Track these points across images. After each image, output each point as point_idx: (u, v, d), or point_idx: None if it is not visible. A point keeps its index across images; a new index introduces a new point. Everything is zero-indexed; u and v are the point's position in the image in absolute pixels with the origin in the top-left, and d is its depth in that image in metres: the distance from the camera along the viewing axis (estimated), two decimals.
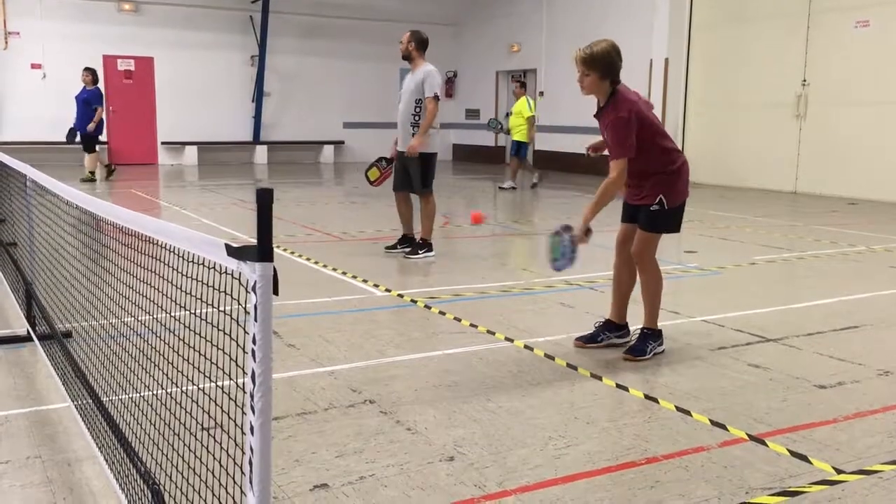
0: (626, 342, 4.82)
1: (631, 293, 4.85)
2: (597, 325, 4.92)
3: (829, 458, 3.28)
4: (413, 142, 7.46)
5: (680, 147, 17.51)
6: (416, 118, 7.49)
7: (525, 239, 9.70)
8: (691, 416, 3.74)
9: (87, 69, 15.24)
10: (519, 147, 14.98)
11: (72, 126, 15.01)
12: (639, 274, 4.68)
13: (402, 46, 7.61)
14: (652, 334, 4.65)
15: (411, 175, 7.61)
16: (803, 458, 3.28)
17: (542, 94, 19.75)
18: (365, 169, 8.24)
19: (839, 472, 3.15)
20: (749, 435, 3.51)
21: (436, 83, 7.45)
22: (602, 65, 4.42)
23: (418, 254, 7.62)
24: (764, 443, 3.43)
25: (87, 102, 14.70)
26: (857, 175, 13.59)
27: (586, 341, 4.84)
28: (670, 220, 4.60)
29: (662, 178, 4.54)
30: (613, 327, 4.85)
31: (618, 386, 4.16)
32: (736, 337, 5.11)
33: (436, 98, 7.41)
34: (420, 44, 7.57)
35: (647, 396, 4.01)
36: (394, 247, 7.91)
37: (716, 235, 9.53)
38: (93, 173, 14.93)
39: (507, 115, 15.28)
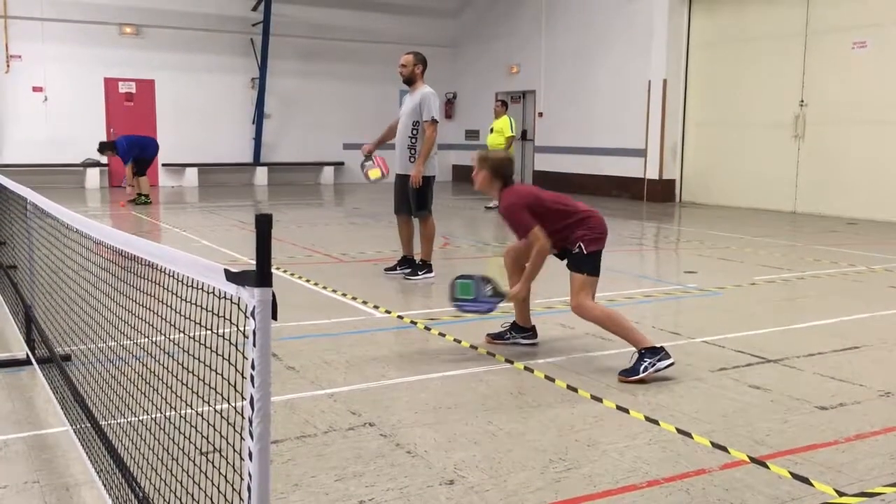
0: (532, 343, 5.29)
1: (529, 304, 5.31)
2: (503, 325, 5.37)
3: (830, 480, 3.26)
4: (413, 171, 7.42)
5: (679, 166, 17.45)
6: (413, 140, 7.45)
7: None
8: (692, 438, 3.73)
9: (103, 147, 15.15)
10: None
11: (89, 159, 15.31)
12: (589, 321, 4.86)
13: (405, 70, 7.48)
14: (646, 352, 4.58)
15: (409, 197, 7.59)
16: (805, 480, 3.26)
17: (541, 114, 19.83)
18: (366, 171, 8.03)
19: (841, 494, 3.14)
20: (750, 457, 3.50)
21: (434, 106, 7.39)
22: (493, 165, 5.01)
23: (418, 275, 7.60)
24: (765, 465, 3.42)
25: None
26: (857, 195, 13.62)
27: (494, 338, 5.34)
28: (591, 264, 4.82)
29: (580, 233, 4.82)
30: (519, 329, 5.33)
31: (618, 408, 4.15)
32: (736, 358, 5.10)
33: (434, 122, 7.38)
34: (425, 65, 7.56)
35: (647, 418, 3.99)
36: (393, 268, 7.89)
37: (715, 256, 9.54)
38: (146, 195, 14.99)
39: (491, 130, 15.31)
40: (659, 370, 4.54)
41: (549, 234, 4.81)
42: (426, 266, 7.66)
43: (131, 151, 14.61)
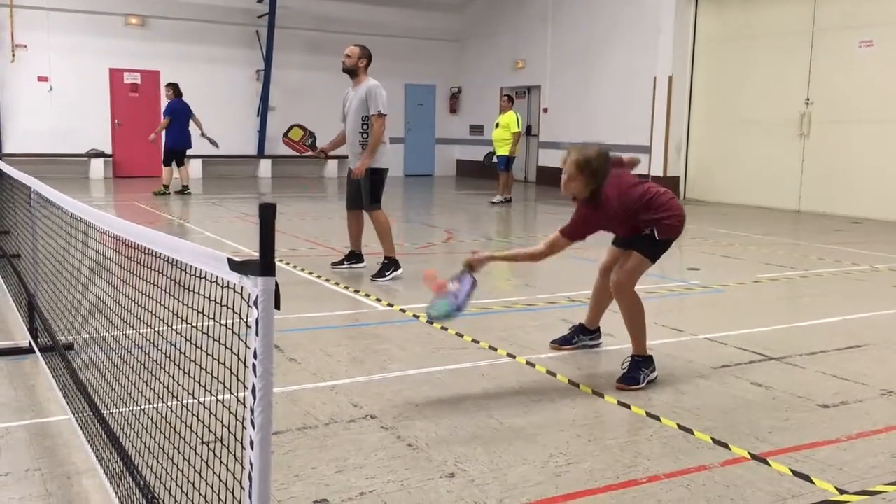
0: (597, 344, 5.17)
1: (607, 307, 5.06)
2: (571, 328, 5.21)
3: (831, 478, 3.26)
4: (359, 163, 7.26)
5: (684, 162, 17.33)
6: (364, 136, 7.28)
7: None
8: (693, 434, 3.73)
9: (167, 85, 15.45)
10: (508, 161, 15.03)
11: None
12: (618, 304, 4.59)
13: (349, 60, 7.39)
14: (643, 361, 4.50)
15: (361, 191, 7.37)
16: (806, 477, 3.26)
17: (546, 110, 19.80)
18: (290, 127, 8.02)
19: (842, 492, 3.14)
20: (751, 454, 3.49)
21: (381, 99, 7.24)
22: (592, 170, 4.29)
23: (385, 275, 7.22)
24: (766, 462, 3.41)
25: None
26: (861, 194, 13.59)
27: (561, 343, 5.14)
28: (655, 250, 4.53)
29: (656, 216, 4.47)
30: (586, 331, 5.16)
31: (620, 403, 4.15)
32: (739, 355, 5.10)
33: (381, 115, 7.21)
34: (369, 59, 7.45)
35: (649, 414, 3.99)
36: (340, 262, 7.75)
37: (719, 253, 9.52)
38: (166, 186, 14.99)
39: (497, 125, 15.25)
40: (650, 381, 4.47)
41: (629, 227, 4.48)
42: (392, 263, 7.29)
43: (176, 113, 14.88)
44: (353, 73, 7.46)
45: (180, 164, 15.24)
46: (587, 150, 4.35)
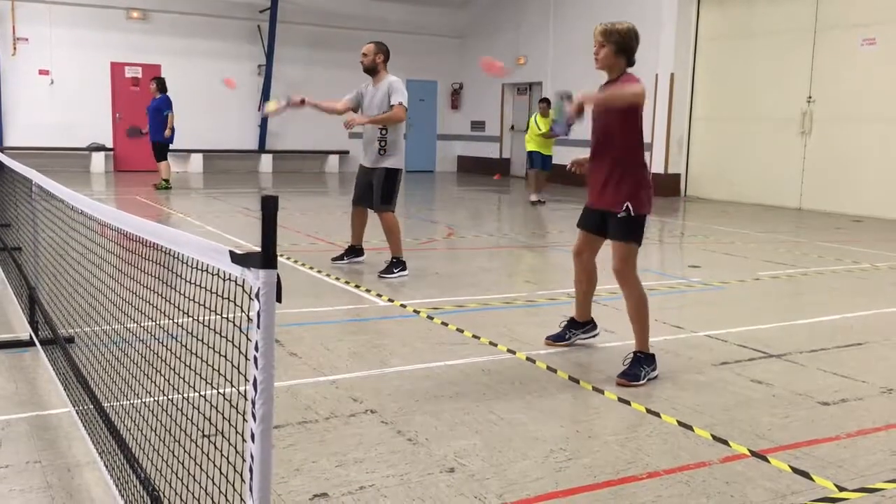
0: (593, 335, 5.13)
1: (592, 295, 5.06)
2: (562, 324, 5.15)
3: (831, 475, 3.26)
4: (359, 118, 7.25)
5: (685, 160, 17.31)
6: (384, 132, 7.25)
7: (528, 251, 9.70)
8: (693, 430, 3.73)
9: (152, 79, 15.43)
10: (546, 160, 14.77)
11: (133, 127, 15.40)
12: (624, 296, 4.59)
13: (366, 59, 7.36)
14: (645, 358, 4.48)
15: (373, 189, 7.31)
16: (805, 474, 3.26)
17: None
18: (265, 101, 8.02)
19: (841, 489, 3.14)
20: (751, 451, 3.50)
21: (401, 91, 7.22)
22: (618, 39, 4.55)
23: (393, 273, 7.20)
24: (766, 459, 3.42)
25: (158, 110, 14.81)
26: (863, 192, 13.59)
27: (555, 340, 5.11)
28: (639, 229, 4.53)
29: (629, 177, 4.50)
30: (578, 325, 5.12)
31: (620, 400, 4.15)
32: (739, 352, 5.10)
33: (401, 104, 7.16)
34: (387, 55, 7.41)
35: (649, 411, 3.99)
36: (340, 257, 7.76)
37: (720, 250, 9.52)
38: (167, 181, 14.96)
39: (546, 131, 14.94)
40: (650, 379, 4.46)
41: (616, 153, 4.50)
42: (400, 263, 7.28)
43: (170, 106, 14.83)
44: (372, 70, 7.40)
45: (164, 157, 15.14)
46: (616, 22, 4.67)
